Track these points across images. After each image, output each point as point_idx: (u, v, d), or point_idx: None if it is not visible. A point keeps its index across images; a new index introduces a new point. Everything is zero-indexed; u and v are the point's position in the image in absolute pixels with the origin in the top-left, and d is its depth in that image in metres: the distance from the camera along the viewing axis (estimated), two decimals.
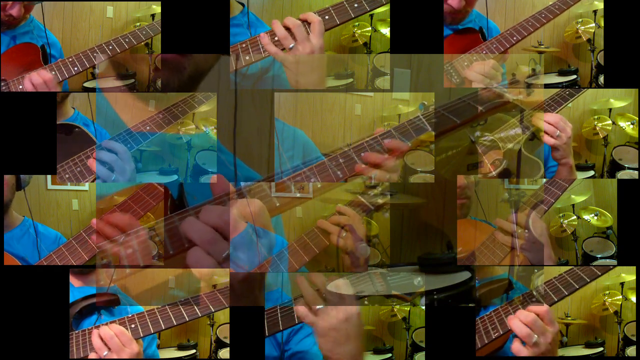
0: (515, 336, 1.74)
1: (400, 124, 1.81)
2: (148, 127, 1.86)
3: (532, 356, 1.72)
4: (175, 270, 1.82)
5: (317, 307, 1.64)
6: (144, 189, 1.80)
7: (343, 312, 1.64)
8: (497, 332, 1.79)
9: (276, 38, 1.84)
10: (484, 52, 1.93)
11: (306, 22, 1.84)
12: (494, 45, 1.94)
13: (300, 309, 1.65)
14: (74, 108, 1.89)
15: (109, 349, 1.70)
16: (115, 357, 1.69)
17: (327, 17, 1.84)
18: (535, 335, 1.71)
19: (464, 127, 1.79)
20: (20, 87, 1.85)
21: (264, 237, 1.64)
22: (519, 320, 1.74)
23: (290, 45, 1.82)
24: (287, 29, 1.83)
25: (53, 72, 1.86)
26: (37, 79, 1.85)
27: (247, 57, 1.85)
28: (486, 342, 1.80)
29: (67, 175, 1.81)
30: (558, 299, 1.79)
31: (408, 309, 1.94)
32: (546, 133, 1.88)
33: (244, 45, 1.85)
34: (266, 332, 1.72)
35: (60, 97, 1.87)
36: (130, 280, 1.81)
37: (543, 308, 1.75)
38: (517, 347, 1.74)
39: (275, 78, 1.87)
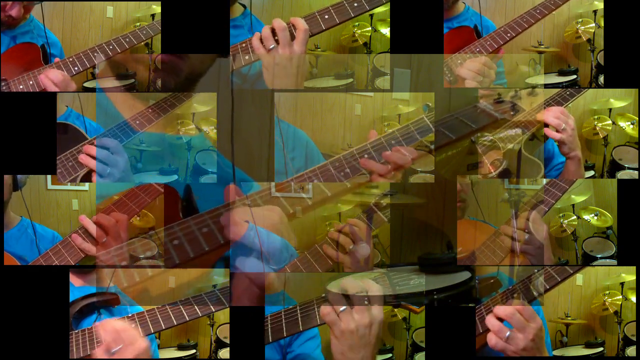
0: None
1: (404, 125, 1.82)
2: (137, 122, 1.85)
3: (519, 354, 1.70)
4: (174, 270, 1.82)
5: (341, 308, 1.61)
6: (139, 186, 1.80)
7: (368, 317, 1.60)
8: (478, 330, 1.78)
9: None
10: (478, 49, 1.93)
11: (293, 27, 1.84)
12: (488, 43, 1.94)
13: (325, 308, 1.61)
14: (67, 106, 1.88)
15: (118, 344, 1.69)
16: (124, 352, 1.68)
17: (326, 16, 1.85)
18: (508, 332, 1.70)
19: (459, 142, 1.84)
20: (21, 86, 1.85)
21: (268, 239, 1.64)
22: (493, 315, 1.72)
23: (271, 46, 1.82)
24: (273, 30, 1.84)
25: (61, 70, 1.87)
26: (59, 77, 1.84)
27: (247, 57, 1.85)
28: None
29: (59, 170, 1.80)
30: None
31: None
32: (550, 128, 1.87)
33: (243, 45, 1.85)
34: (269, 338, 1.68)
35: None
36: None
37: (520, 303, 1.74)
38: (492, 339, 1.70)
39: None
